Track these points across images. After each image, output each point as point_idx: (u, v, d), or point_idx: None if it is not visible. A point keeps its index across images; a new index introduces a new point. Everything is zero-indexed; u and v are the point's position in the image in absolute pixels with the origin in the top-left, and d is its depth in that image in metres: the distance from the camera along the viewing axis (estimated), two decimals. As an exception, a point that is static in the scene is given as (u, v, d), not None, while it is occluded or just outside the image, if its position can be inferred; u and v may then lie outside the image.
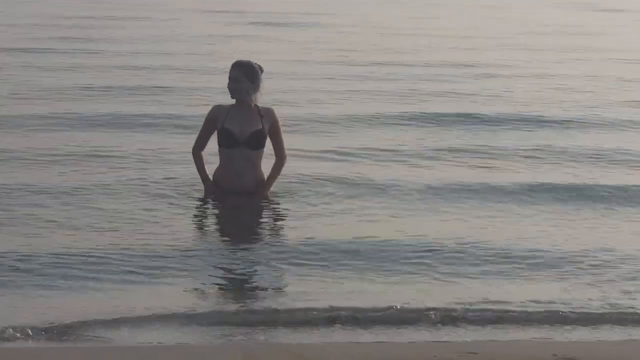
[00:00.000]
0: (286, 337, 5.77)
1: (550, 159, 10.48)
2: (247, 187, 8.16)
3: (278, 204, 8.54)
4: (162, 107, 13.01)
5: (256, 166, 8.18)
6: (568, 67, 18.57)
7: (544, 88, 15.50)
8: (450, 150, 10.55)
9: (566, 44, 22.67)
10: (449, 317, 6.01)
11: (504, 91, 15.02)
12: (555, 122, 12.41)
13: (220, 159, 8.25)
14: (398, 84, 15.39)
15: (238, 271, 7.02)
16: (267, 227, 8.27)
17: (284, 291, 6.61)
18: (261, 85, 8.21)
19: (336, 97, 14.09)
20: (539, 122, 12.39)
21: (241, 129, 8.07)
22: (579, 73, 17.71)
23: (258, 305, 6.30)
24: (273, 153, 8.41)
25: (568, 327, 6.04)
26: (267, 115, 8.15)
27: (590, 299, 6.41)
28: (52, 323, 5.61)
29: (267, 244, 7.71)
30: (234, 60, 8.31)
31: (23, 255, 6.90)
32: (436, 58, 18.99)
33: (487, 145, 10.93)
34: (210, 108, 8.38)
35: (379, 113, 12.45)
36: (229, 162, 8.15)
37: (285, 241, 7.64)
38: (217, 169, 8.23)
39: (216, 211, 8.55)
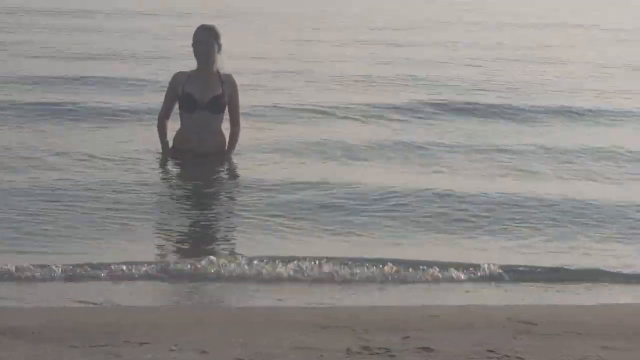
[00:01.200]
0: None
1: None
2: (208, 150, 8.27)
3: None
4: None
5: (216, 130, 8.29)
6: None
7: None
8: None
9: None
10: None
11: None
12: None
13: (181, 122, 8.35)
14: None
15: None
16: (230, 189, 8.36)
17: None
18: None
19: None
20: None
21: (202, 93, 8.16)
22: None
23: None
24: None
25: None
26: (228, 81, 8.26)
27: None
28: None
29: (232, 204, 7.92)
30: (202, 25, 8.34)
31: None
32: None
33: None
34: (171, 75, 8.43)
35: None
36: (190, 126, 8.25)
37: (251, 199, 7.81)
38: (178, 132, 8.34)
39: (176, 175, 8.60)
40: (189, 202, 8.09)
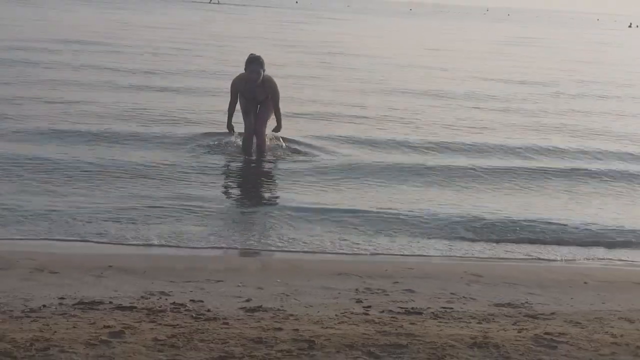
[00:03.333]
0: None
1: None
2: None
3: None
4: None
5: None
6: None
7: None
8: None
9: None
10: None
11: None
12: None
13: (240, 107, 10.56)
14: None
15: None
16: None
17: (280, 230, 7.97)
18: None
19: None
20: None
21: (254, 96, 10.62)
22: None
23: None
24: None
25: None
26: (269, 84, 10.60)
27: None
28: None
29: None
30: (251, 55, 10.50)
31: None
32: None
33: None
34: (231, 83, 10.69)
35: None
36: (247, 112, 10.59)
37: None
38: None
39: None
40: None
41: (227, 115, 10.97)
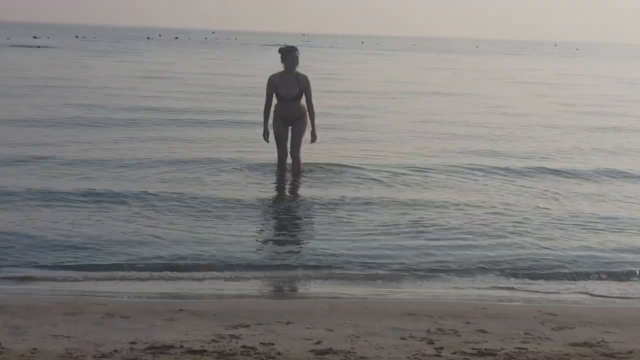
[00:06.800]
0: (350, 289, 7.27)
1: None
2: (294, 118, 11.46)
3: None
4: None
5: (298, 107, 11.45)
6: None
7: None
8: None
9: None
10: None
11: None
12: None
13: (277, 103, 11.38)
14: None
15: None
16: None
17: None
18: None
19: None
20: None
21: (287, 92, 11.40)
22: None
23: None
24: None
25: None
26: (303, 80, 11.45)
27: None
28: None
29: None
30: (287, 46, 11.39)
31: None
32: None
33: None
34: (267, 79, 11.45)
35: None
36: (282, 108, 11.37)
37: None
38: (277, 106, 11.44)
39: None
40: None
41: (263, 120, 11.68)
